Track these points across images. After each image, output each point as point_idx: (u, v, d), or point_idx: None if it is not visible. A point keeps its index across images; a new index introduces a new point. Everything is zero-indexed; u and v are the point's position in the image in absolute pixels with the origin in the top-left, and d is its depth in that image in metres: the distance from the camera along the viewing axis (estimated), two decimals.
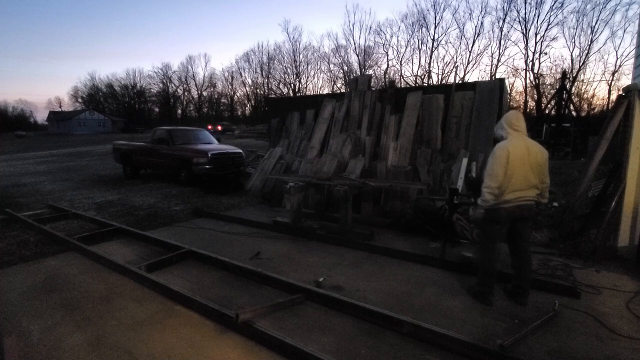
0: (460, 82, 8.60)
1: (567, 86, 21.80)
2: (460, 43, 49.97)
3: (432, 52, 44.78)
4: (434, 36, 44.77)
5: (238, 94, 67.77)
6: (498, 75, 40.50)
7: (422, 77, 43.89)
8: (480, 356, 2.30)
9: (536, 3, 38.22)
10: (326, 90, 51.49)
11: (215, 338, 2.57)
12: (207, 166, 8.58)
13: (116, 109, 71.07)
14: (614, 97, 32.02)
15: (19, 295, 3.24)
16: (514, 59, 68.08)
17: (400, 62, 47.36)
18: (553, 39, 41.53)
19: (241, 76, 64.93)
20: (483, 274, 3.10)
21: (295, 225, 5.24)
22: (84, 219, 5.84)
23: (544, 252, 4.31)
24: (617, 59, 40.17)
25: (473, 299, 3.15)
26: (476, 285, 3.18)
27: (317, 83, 58.89)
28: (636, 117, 4.21)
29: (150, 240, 4.65)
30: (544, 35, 38.25)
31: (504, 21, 40.46)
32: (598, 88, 70.66)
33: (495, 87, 6.00)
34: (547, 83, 38.29)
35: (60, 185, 9.36)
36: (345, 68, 51.36)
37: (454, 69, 47.12)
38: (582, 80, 37.47)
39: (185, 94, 70.63)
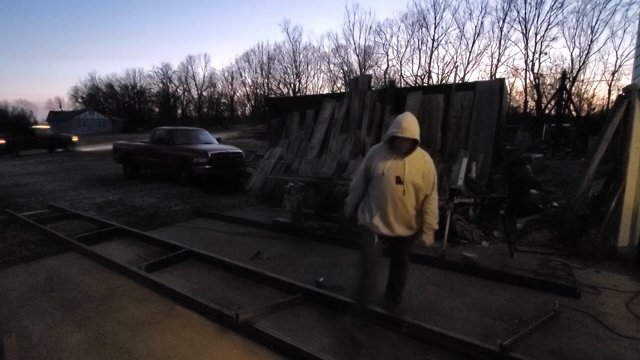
0: (460, 82, 8.61)
1: (567, 86, 21.81)
2: (460, 43, 49.81)
3: (432, 52, 44.72)
4: (434, 36, 44.67)
5: (238, 94, 67.71)
6: (498, 75, 40.47)
7: (422, 77, 43.86)
8: (480, 356, 2.30)
9: (536, 3, 38.18)
10: (326, 90, 51.34)
11: (215, 338, 2.57)
12: (207, 166, 8.58)
13: (116, 109, 70.92)
14: (614, 97, 31.99)
15: (19, 295, 3.24)
16: (514, 59, 67.85)
17: (400, 62, 47.27)
18: (553, 39, 41.35)
19: (241, 76, 64.85)
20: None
21: (295, 225, 5.24)
22: (84, 219, 5.84)
23: (544, 252, 4.31)
24: (617, 59, 40.07)
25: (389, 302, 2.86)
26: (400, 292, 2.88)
27: (317, 83, 58.67)
28: (636, 117, 4.21)
29: (150, 240, 4.65)
30: (544, 35, 38.20)
31: (504, 21, 40.42)
32: (598, 88, 70.65)
33: (495, 87, 6.00)
34: (547, 83, 38.24)
35: (61, 185, 9.36)
36: (345, 68, 51.27)
37: (454, 69, 47.12)
38: (582, 80, 37.39)
39: (185, 94, 70.54)
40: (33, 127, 20.61)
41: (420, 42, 47.78)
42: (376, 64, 49.18)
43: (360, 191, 2.67)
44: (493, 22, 61.90)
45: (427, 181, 2.53)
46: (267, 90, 58.11)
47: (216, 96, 68.84)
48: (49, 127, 22.63)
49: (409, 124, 2.39)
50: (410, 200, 2.49)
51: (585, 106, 36.53)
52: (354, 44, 56.55)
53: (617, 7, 39.66)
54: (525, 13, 38.77)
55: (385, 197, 2.48)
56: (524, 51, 39.41)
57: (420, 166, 2.50)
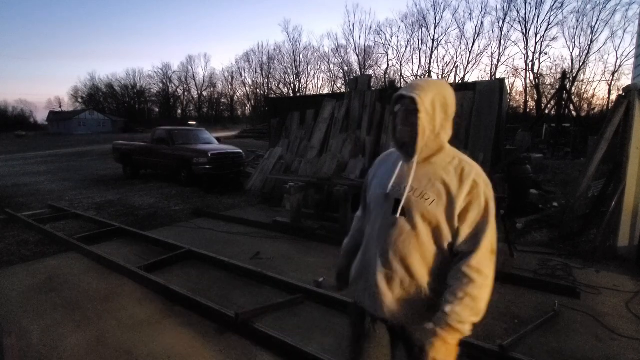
0: (460, 82, 8.60)
1: (567, 86, 21.80)
2: (460, 43, 49.84)
3: (432, 52, 44.87)
4: (434, 36, 44.81)
5: (238, 94, 67.87)
6: (498, 75, 40.54)
7: (422, 77, 43.88)
8: (480, 356, 2.29)
9: (536, 3, 38.28)
10: (326, 90, 51.43)
11: (215, 338, 2.57)
12: (207, 166, 8.58)
13: (116, 109, 70.99)
14: (614, 97, 32.01)
15: (19, 295, 3.24)
16: (514, 59, 68.03)
17: (400, 62, 47.39)
18: (553, 39, 41.42)
19: (241, 76, 64.99)
20: None
21: (295, 225, 5.23)
22: (84, 219, 5.84)
23: (544, 252, 4.31)
24: (617, 59, 40.16)
25: None
26: None
27: (317, 83, 58.78)
28: (636, 117, 4.21)
29: (150, 240, 4.65)
30: (544, 35, 38.30)
31: (504, 21, 40.51)
32: (598, 88, 70.81)
33: (495, 87, 6.00)
34: (547, 83, 38.32)
35: (61, 185, 9.36)
36: (345, 68, 51.38)
37: (454, 69, 47.11)
38: (582, 80, 37.49)
39: (185, 94, 70.69)
40: (190, 122, 30.02)
41: (420, 42, 47.84)
42: (376, 64, 49.31)
43: (357, 229, 1.58)
44: (493, 22, 61.99)
45: (457, 215, 1.18)
46: (267, 90, 58.18)
47: (216, 96, 69.03)
48: (195, 123, 32.99)
49: (418, 81, 1.20)
50: (420, 250, 1.20)
51: (585, 106, 36.61)
52: (354, 44, 56.63)
53: (617, 7, 39.71)
54: (525, 13, 38.90)
55: (371, 237, 1.29)
56: (524, 51, 39.52)
57: (442, 179, 1.17)
